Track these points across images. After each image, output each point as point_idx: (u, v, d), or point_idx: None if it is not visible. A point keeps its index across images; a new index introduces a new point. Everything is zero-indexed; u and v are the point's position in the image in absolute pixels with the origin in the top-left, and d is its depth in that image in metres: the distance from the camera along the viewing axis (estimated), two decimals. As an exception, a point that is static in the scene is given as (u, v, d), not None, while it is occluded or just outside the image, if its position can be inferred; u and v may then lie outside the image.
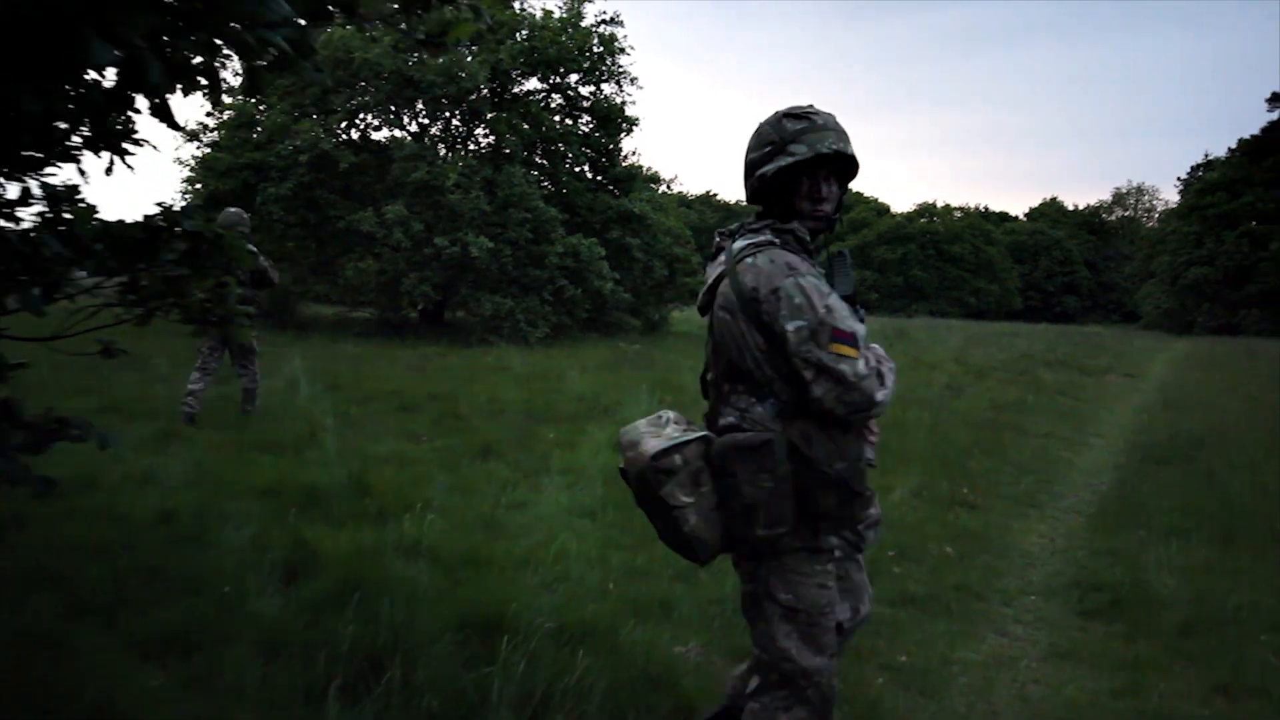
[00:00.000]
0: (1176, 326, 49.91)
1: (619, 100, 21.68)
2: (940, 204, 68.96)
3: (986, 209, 74.89)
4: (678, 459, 2.06)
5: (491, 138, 19.85)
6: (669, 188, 23.76)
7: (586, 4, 20.60)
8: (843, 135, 2.17)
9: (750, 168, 2.22)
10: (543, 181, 20.46)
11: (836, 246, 2.29)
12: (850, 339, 2.00)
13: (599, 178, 22.08)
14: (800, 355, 2.00)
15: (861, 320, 2.20)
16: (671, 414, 2.27)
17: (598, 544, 4.82)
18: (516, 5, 20.64)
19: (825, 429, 2.03)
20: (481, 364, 13.05)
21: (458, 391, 9.83)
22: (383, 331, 18.13)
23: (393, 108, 19.00)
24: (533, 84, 20.74)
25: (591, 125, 21.75)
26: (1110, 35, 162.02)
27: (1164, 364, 18.78)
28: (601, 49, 20.82)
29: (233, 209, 7.91)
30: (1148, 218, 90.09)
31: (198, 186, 18.86)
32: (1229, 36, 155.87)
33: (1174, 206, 75.81)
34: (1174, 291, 52.55)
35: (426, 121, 19.97)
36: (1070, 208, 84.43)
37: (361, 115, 19.12)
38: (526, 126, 19.61)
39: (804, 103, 2.22)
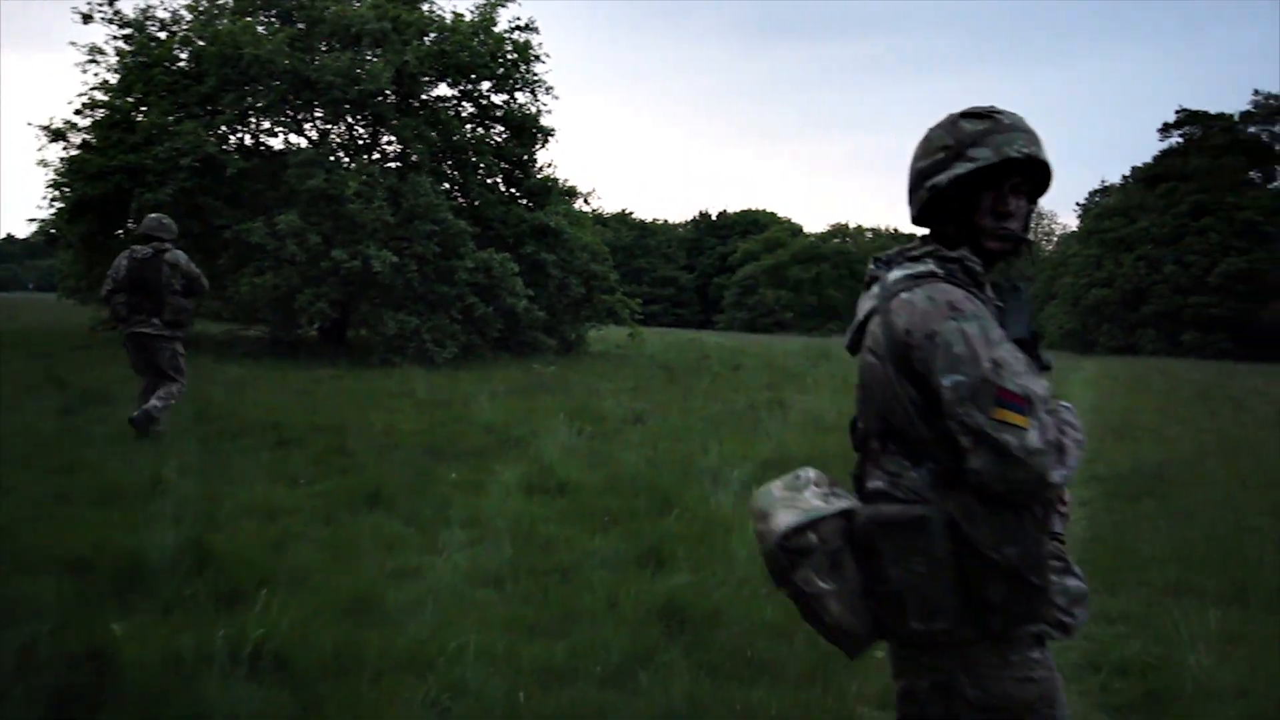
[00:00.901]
0: (1079, 346, 51.33)
1: (534, 110, 20.72)
2: (853, 225, 70.12)
3: (896, 230, 76.43)
4: (812, 538, 1.74)
5: (397, 146, 18.63)
6: (586, 202, 22.84)
7: (500, 9, 19.59)
8: (1034, 138, 1.82)
9: (918, 179, 1.86)
10: (452, 193, 19.32)
11: (1012, 278, 1.91)
12: (1020, 404, 1.63)
13: (512, 190, 21.04)
14: (957, 418, 1.65)
15: (1047, 367, 1.76)
16: (812, 473, 1.89)
17: (505, 627, 3.82)
18: (425, 6, 19.51)
19: (992, 504, 1.66)
20: (381, 388, 11.85)
21: (349, 422, 8.67)
22: (275, 352, 16.68)
23: (289, 111, 17.63)
24: (442, 90, 19.61)
25: (505, 135, 20.72)
26: (1009, 67, 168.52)
27: (1082, 385, 18.64)
28: (515, 56, 19.84)
29: (153, 215, 7.90)
30: (1047, 241, 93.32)
31: (65, 191, 17.12)
32: (1122, 68, 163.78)
33: (1073, 230, 78.73)
34: (1076, 312, 54.16)
35: (328, 127, 18.65)
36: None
37: (252, 117, 17.68)
38: (435, 134, 18.46)
39: (967, 112, 1.84)
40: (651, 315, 47.03)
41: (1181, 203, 50.68)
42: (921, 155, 1.86)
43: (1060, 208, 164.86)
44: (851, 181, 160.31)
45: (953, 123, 1.83)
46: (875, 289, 1.86)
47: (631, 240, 69.49)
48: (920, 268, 1.79)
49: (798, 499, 1.80)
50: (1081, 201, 75.95)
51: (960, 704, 1.74)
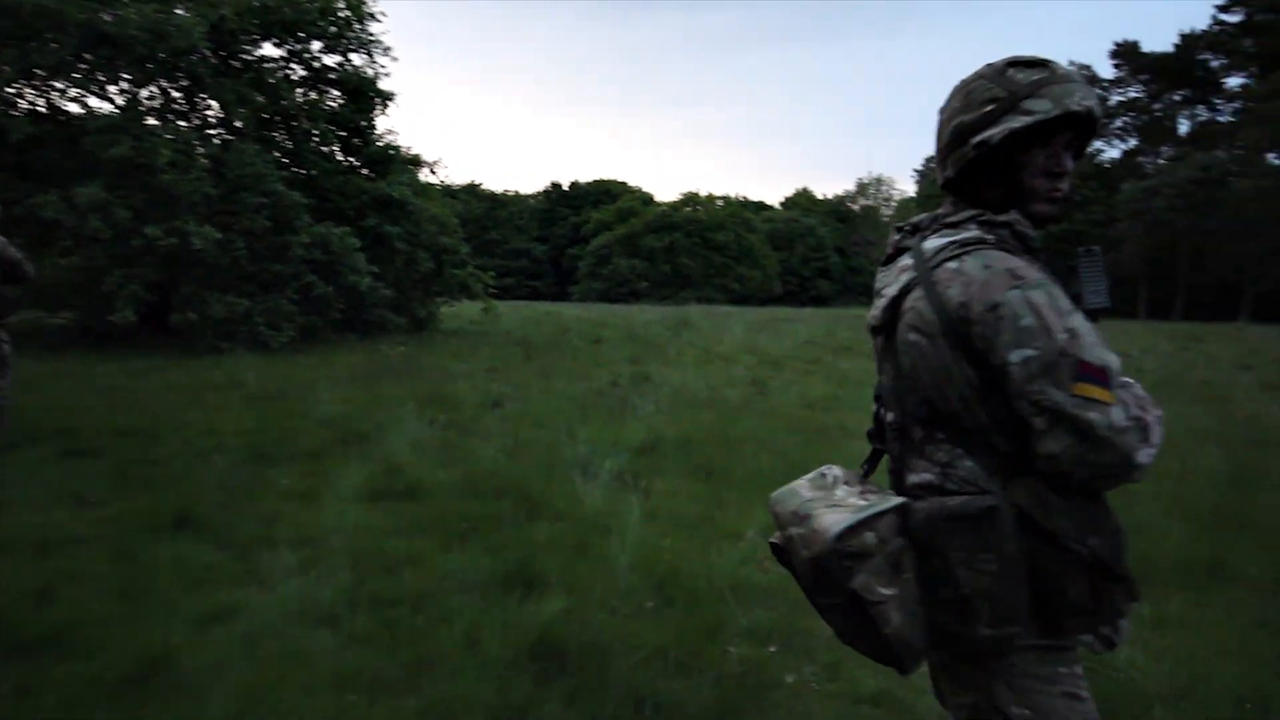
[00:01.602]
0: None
1: (370, 73, 19.33)
2: (704, 193, 70.60)
3: (746, 198, 77.67)
4: (870, 538, 1.52)
5: (219, 111, 16.94)
6: (432, 172, 21.61)
7: (328, -40, 18.07)
8: (1091, 91, 1.62)
9: (961, 135, 1.62)
10: (284, 162, 17.79)
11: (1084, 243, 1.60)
12: (1102, 377, 1.43)
13: (351, 159, 19.65)
14: (1029, 397, 1.46)
15: None
16: (838, 471, 1.70)
17: (339, 684, 3.08)
18: (242, -44, 17.76)
19: (1066, 492, 1.49)
20: (205, 380, 10.60)
21: (161, 422, 7.56)
22: (85, 342, 14.91)
23: (85, 70, 15.67)
24: (268, 50, 17.99)
25: (340, 100, 19.25)
26: (857, 38, 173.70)
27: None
28: (348, 13, 18.40)
29: None
30: (887, 206, 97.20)
31: None
32: (960, 38, 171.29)
33: (911, 196, 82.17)
34: (918, 276, 56.37)
35: (136, 90, 16.74)
36: (820, 197, 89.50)
37: (43, 77, 15.64)
38: (261, 98, 16.87)
39: (1016, 60, 1.63)
40: (506, 288, 45.81)
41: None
42: (963, 108, 1.62)
43: (898, 174, 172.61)
44: (701, 152, 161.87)
45: (1000, 72, 1.61)
46: (906, 260, 1.64)
47: (482, 212, 67.68)
48: (965, 234, 1.57)
49: (834, 495, 1.62)
50: (919, 168, 79.41)
51: None
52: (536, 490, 5.35)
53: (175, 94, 16.91)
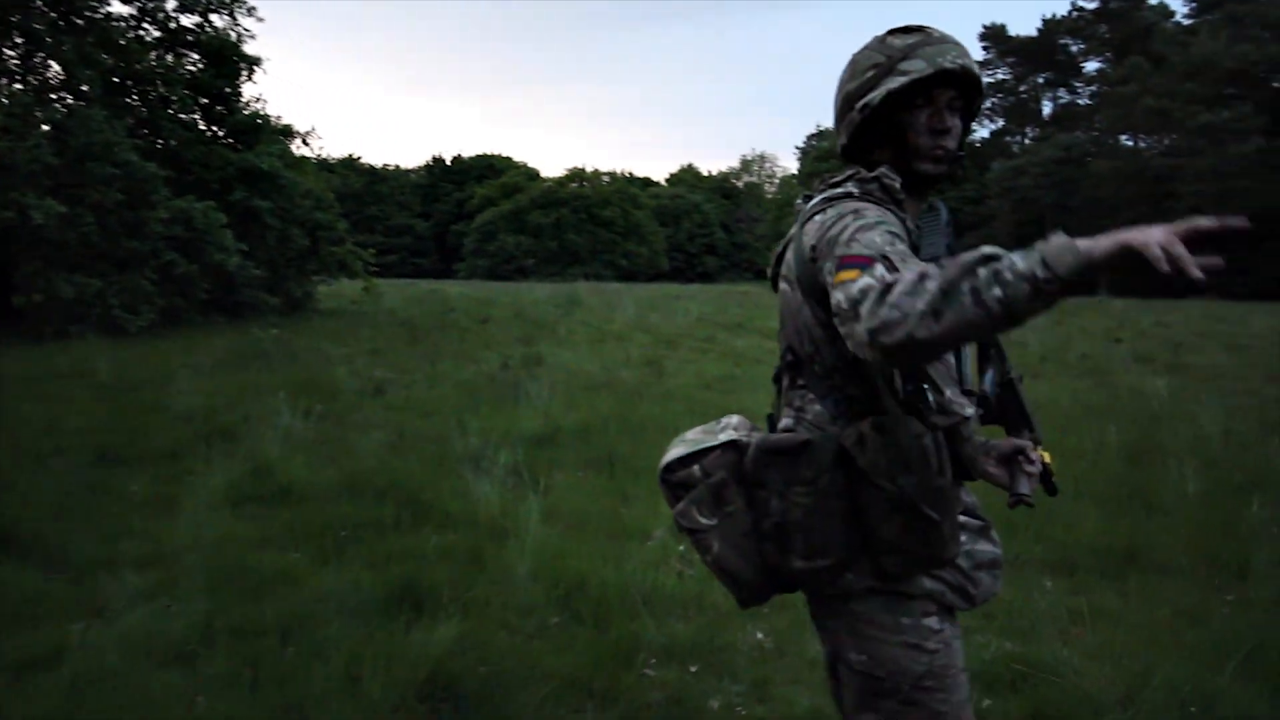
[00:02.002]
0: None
1: (233, 35, 18.06)
2: (590, 169, 70.02)
3: (631, 174, 77.40)
4: (696, 470, 1.63)
5: (60, 74, 15.46)
6: (305, 144, 20.42)
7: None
8: (966, 51, 1.66)
9: (847, 102, 1.68)
10: (138, 131, 16.44)
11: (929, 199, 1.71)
12: (860, 261, 1.38)
13: (214, 128, 18.35)
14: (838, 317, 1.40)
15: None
16: (735, 419, 1.73)
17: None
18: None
19: (885, 429, 1.51)
20: (50, 369, 9.60)
21: (-9, 421, 6.71)
22: (-91, 328, 13.42)
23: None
24: (116, 8, 16.54)
25: (201, 64, 17.92)
26: (733, 16, 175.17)
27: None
28: (206, -31, 17.12)
29: None
30: (770, 183, 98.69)
31: None
32: (834, 20, 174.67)
33: (793, 173, 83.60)
34: (802, 251, 57.48)
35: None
36: (705, 173, 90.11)
37: None
38: (108, 59, 15.50)
39: (894, 29, 1.69)
40: (387, 266, 44.10)
41: (887, 146, 54.75)
42: (849, 78, 1.69)
43: (780, 150, 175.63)
44: (586, 128, 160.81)
45: (880, 40, 1.68)
46: (803, 208, 1.68)
47: (361, 187, 65.22)
48: (838, 191, 1.63)
49: (695, 438, 1.68)
50: (800, 145, 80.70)
51: (845, 670, 1.62)
52: (424, 490, 4.87)
53: (9, 53, 15.36)
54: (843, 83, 1.70)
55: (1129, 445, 6.33)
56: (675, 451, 1.64)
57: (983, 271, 1.23)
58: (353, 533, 4.34)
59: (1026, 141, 64.58)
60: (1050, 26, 62.04)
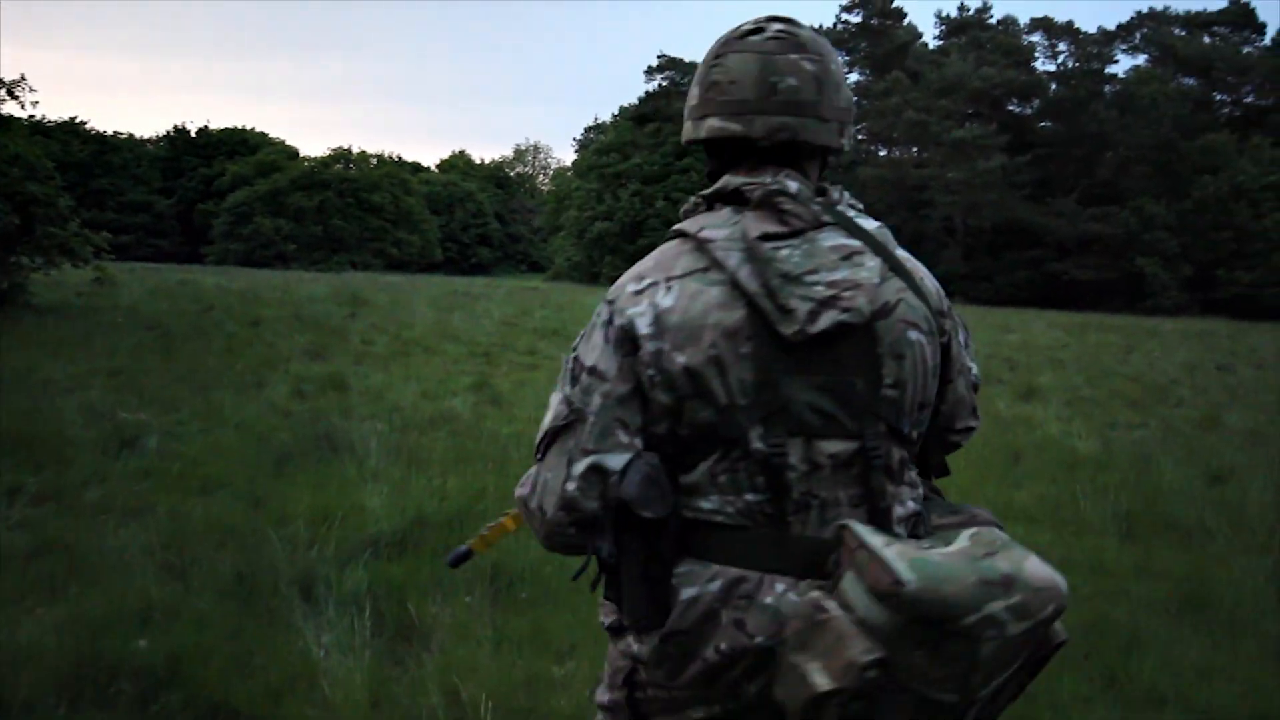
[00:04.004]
0: (584, 278, 53.85)
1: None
2: (356, 149, 65.61)
3: (400, 158, 73.59)
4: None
5: None
6: (12, 96, 16.48)
7: None
8: None
9: (850, 110, 1.42)
10: None
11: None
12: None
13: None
14: (972, 403, 1.50)
15: None
16: (859, 526, 1.24)
17: None
18: None
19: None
20: None
21: None
22: None
23: None
24: None
25: None
26: (506, 3, 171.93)
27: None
28: None
29: None
30: (544, 174, 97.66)
31: None
32: (611, 14, 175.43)
33: (567, 166, 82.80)
34: (582, 245, 56.64)
35: None
36: (478, 161, 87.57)
37: None
38: None
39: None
40: (122, 248, 38.25)
41: (666, 142, 55.30)
42: (843, 81, 1.41)
43: (555, 141, 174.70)
44: (349, 106, 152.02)
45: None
46: (837, 238, 1.33)
47: (88, 157, 57.13)
48: (871, 220, 1.42)
49: (957, 545, 1.24)
50: (578, 137, 79.88)
51: None
52: (228, 681, 2.89)
53: None
54: (839, 84, 1.39)
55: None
56: (1050, 570, 1.22)
57: None
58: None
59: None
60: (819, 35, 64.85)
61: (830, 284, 1.28)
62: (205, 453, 5.73)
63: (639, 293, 1.30)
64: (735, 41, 1.37)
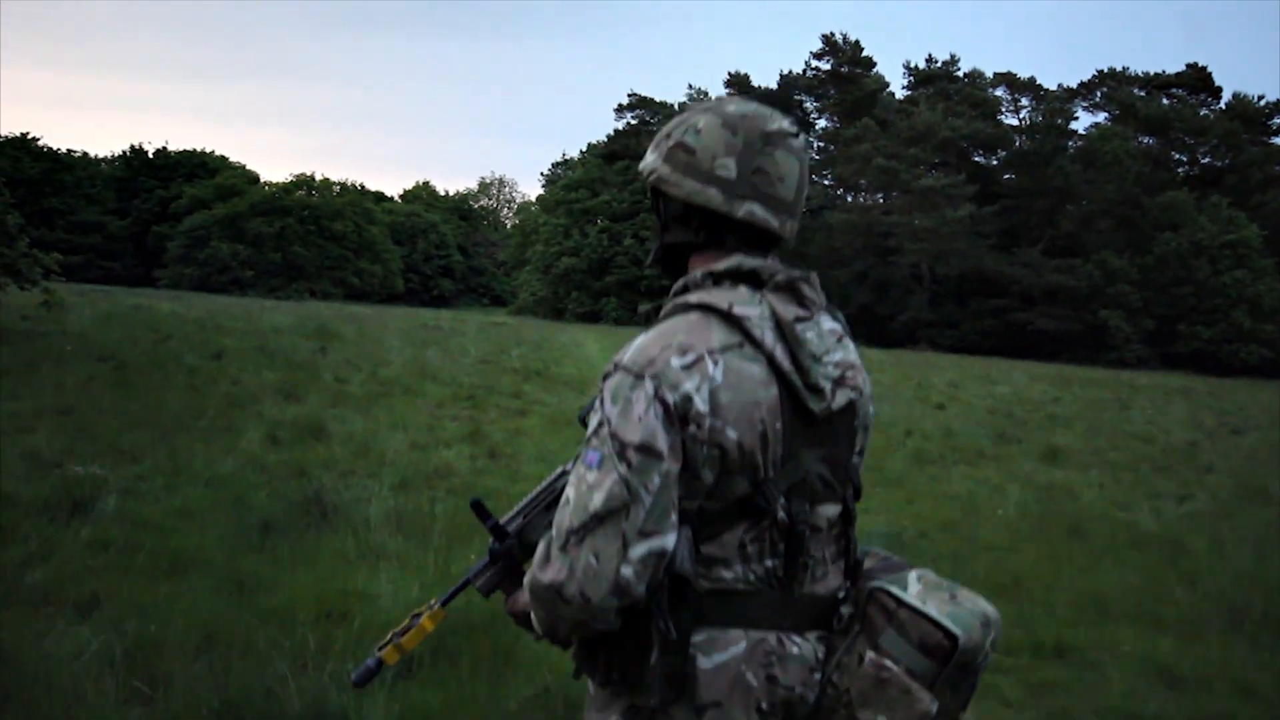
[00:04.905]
0: (549, 313, 53.27)
1: None
2: (319, 176, 64.61)
3: (363, 186, 72.73)
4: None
5: None
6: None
7: None
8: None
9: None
10: None
11: None
12: None
13: None
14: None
15: None
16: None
17: None
18: None
19: None
20: None
21: None
22: None
23: None
24: None
25: None
26: (472, 39, 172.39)
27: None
28: None
29: None
30: (509, 208, 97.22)
31: None
32: (575, 50, 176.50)
33: (531, 200, 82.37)
34: (547, 280, 56.04)
35: None
36: (442, 192, 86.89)
37: None
38: None
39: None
40: (73, 268, 36.63)
41: (635, 180, 55.04)
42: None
43: (522, 176, 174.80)
44: (312, 134, 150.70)
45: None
46: (830, 322, 1.47)
47: (39, 174, 55.29)
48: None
49: (953, 593, 1.41)
50: (545, 172, 79.48)
51: None
52: None
53: None
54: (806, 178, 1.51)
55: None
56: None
57: None
58: None
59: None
60: (787, 82, 65.23)
61: (837, 364, 1.41)
62: (173, 518, 4.88)
63: (688, 367, 1.28)
64: (781, 139, 1.39)
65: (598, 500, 1.24)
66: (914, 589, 1.32)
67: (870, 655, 1.27)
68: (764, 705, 1.28)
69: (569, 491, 1.28)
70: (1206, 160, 55.25)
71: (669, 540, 1.25)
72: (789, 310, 1.35)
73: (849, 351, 1.44)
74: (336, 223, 59.86)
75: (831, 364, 1.37)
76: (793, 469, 1.32)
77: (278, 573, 4.14)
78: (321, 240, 59.49)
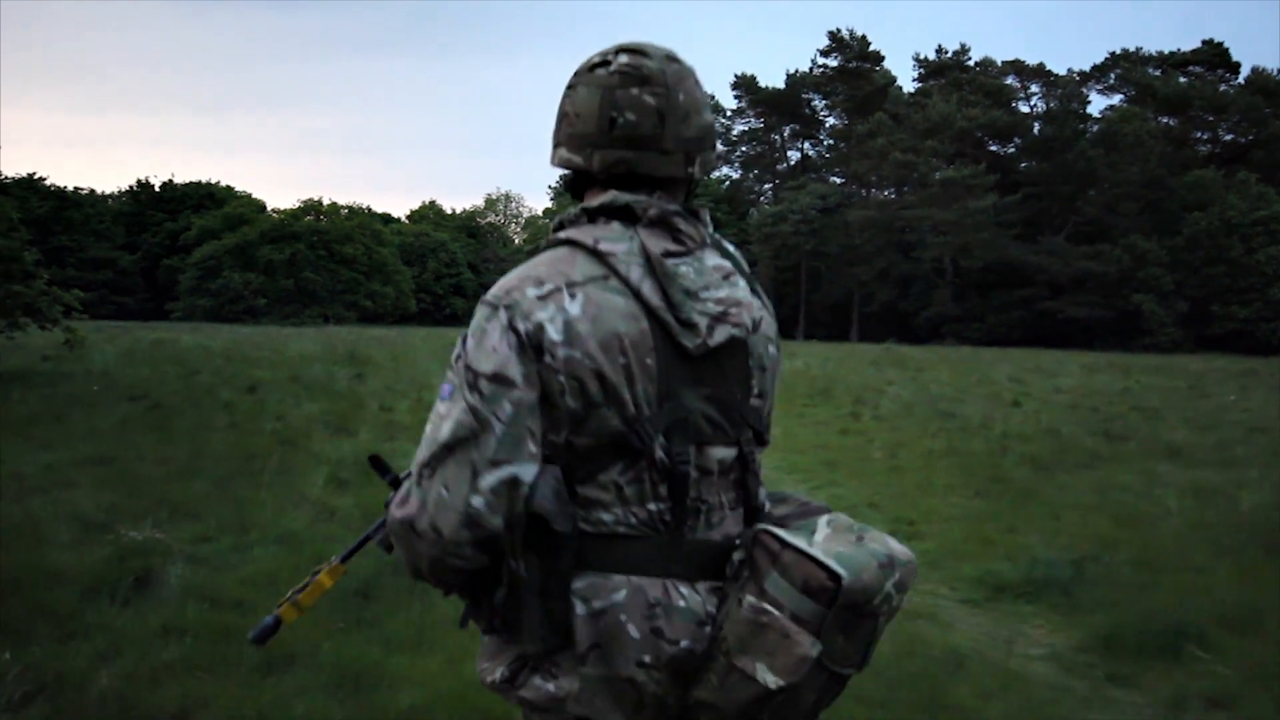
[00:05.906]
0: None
1: None
2: (326, 200, 64.10)
3: (370, 209, 72.28)
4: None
5: None
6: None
7: None
8: None
9: (712, 136, 1.45)
10: None
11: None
12: None
13: None
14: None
15: None
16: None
17: None
18: None
19: None
20: None
21: None
22: None
23: None
24: None
25: None
26: (471, 57, 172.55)
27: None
28: None
29: None
30: (516, 223, 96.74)
31: None
32: (559, 65, 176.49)
33: (539, 214, 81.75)
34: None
35: None
36: (449, 211, 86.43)
37: None
38: None
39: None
40: (86, 305, 36.11)
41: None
42: (696, 109, 1.40)
43: (529, 191, 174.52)
44: (318, 159, 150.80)
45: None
46: (716, 259, 1.42)
47: (47, 213, 54.92)
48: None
49: (864, 536, 1.37)
50: (553, 185, 78.97)
51: None
52: None
53: None
54: (703, 106, 1.41)
55: None
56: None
57: None
58: None
59: (768, 188, 66.60)
60: (795, 81, 64.46)
61: (719, 301, 1.37)
62: (251, 590, 4.11)
63: (543, 298, 1.26)
64: (584, 74, 1.39)
65: (446, 430, 1.22)
66: (822, 534, 1.29)
67: (749, 599, 1.24)
68: (647, 659, 1.25)
69: (426, 427, 1.26)
70: (1229, 137, 54.28)
71: (523, 470, 1.22)
72: (659, 245, 1.33)
73: (736, 289, 1.40)
74: (346, 246, 59.39)
75: (711, 300, 1.35)
76: (673, 408, 1.30)
77: (392, 656, 3.38)
78: (332, 264, 59.00)
